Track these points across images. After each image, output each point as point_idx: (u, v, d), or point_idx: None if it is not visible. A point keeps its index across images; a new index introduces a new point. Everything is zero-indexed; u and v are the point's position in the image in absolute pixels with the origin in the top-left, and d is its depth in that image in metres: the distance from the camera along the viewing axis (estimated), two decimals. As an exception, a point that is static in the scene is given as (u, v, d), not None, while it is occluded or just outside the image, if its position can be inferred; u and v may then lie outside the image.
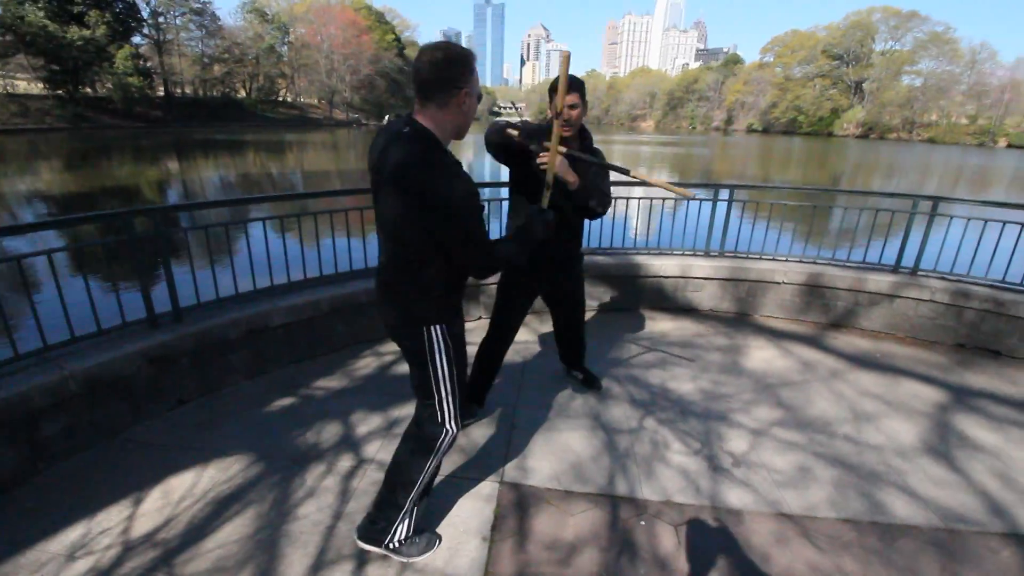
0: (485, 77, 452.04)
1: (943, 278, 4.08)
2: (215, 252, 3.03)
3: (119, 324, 2.78)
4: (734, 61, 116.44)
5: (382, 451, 2.52)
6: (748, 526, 2.07)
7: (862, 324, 4.24)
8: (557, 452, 2.55)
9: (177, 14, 54.41)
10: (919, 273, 4.15)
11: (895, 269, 4.23)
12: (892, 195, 4.48)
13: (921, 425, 2.84)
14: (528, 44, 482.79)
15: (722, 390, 3.18)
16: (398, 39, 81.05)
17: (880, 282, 4.09)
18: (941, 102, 76.80)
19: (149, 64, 50.65)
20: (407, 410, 2.89)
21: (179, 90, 57.91)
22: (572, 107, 2.24)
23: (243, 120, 55.86)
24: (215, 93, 60.15)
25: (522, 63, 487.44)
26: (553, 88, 2.01)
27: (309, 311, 3.41)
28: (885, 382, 3.35)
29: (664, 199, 4.50)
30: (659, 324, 4.20)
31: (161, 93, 54.22)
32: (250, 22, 61.64)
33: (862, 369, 3.53)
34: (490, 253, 1.62)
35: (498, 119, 2.39)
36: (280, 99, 68.53)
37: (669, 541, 1.99)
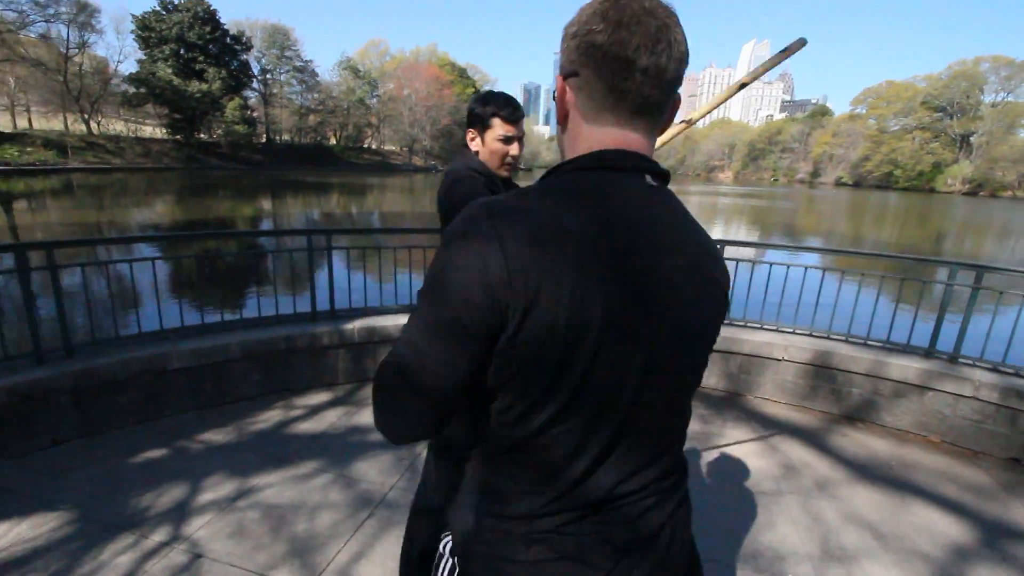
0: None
1: (995, 369, 3.17)
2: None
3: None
4: (822, 113, 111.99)
5: (203, 530, 2.15)
6: None
7: (885, 419, 3.38)
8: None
9: (283, 71, 61.15)
10: (960, 360, 3.27)
11: (929, 353, 3.36)
12: (924, 260, 3.65)
13: (917, 578, 2.05)
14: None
15: (659, 493, 2.53)
16: (477, 91, 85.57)
17: (906, 368, 3.25)
18: (1067, 158, 68.66)
19: (255, 114, 56.91)
20: (272, 478, 2.53)
21: (278, 137, 64.36)
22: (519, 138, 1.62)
23: (331, 164, 60.77)
24: (308, 140, 66.18)
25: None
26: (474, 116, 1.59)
27: (217, 355, 3.20)
28: (889, 504, 2.54)
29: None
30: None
31: (264, 140, 60.46)
32: (344, 77, 67.86)
33: (864, 482, 2.72)
34: None
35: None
36: (365, 146, 74.01)
37: None
